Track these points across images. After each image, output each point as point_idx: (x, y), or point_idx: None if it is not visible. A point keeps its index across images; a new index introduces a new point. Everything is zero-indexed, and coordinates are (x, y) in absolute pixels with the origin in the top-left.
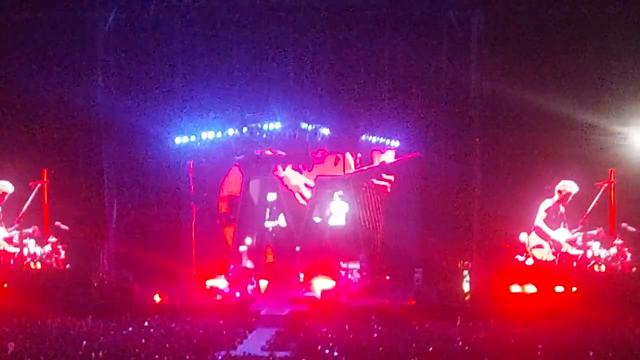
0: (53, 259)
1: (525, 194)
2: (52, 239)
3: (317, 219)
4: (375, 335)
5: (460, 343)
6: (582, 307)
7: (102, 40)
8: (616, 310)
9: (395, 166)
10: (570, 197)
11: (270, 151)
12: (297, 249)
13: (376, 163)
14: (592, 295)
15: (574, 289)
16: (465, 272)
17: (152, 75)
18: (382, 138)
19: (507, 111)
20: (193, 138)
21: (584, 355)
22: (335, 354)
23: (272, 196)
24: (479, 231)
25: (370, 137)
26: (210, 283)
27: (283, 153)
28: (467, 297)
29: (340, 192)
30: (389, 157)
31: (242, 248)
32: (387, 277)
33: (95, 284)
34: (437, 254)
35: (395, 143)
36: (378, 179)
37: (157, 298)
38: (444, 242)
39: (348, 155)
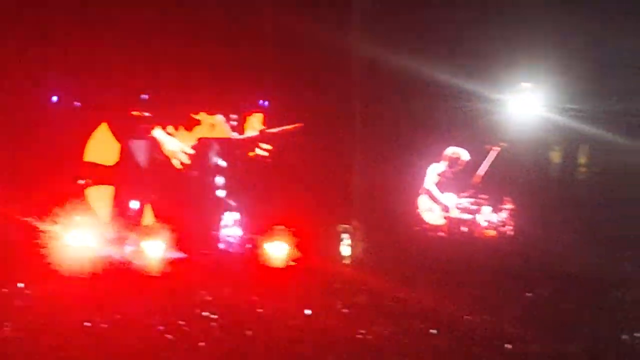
0: None
1: (408, 159)
2: None
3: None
4: (254, 298)
5: (339, 306)
6: (458, 272)
7: None
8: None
9: (277, 135)
10: (460, 164)
11: (139, 111)
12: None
13: (248, 127)
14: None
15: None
16: (346, 236)
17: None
18: (257, 100)
19: (387, 77)
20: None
21: (460, 318)
22: (214, 316)
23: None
24: (361, 196)
25: (246, 99)
26: (87, 244)
27: (148, 114)
28: (347, 261)
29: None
30: (258, 120)
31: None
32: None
33: None
34: (318, 218)
35: (269, 106)
36: (258, 148)
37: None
38: (326, 206)
39: (220, 117)
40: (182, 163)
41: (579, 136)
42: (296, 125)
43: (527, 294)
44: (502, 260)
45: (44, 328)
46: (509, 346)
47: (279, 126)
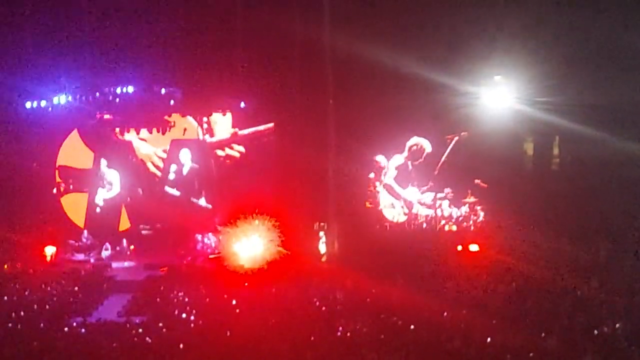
0: None
1: (379, 154)
2: None
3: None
4: (232, 298)
5: (317, 304)
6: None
7: None
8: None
9: (248, 136)
10: (423, 155)
11: (111, 115)
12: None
13: (219, 129)
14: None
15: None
16: (322, 234)
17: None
18: (232, 99)
19: (360, 73)
20: (43, 103)
21: (437, 313)
22: (192, 317)
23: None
24: (336, 193)
25: (221, 98)
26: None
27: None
28: (324, 258)
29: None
30: (228, 121)
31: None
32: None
33: None
34: (294, 216)
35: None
36: (230, 149)
37: (6, 267)
38: (301, 205)
39: (190, 119)
40: (156, 166)
41: (550, 128)
42: (267, 126)
43: (501, 289)
44: (472, 257)
45: (24, 335)
46: (488, 340)
47: (251, 127)
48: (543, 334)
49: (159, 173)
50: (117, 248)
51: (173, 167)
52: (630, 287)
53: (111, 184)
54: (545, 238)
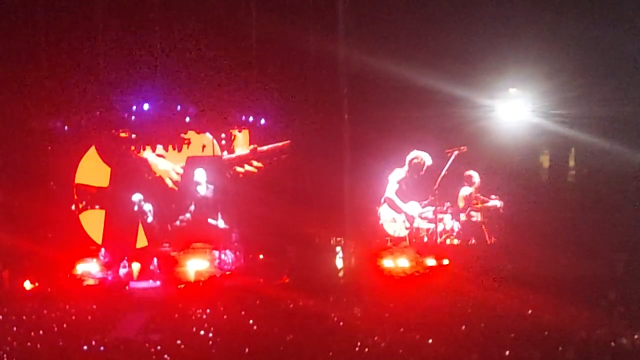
0: None
1: (392, 170)
2: None
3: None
4: (250, 314)
5: (335, 319)
6: (452, 280)
7: None
8: (484, 281)
9: (267, 152)
10: (423, 169)
11: (126, 132)
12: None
13: (237, 145)
14: (461, 267)
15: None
16: (338, 249)
17: (15, 55)
18: (248, 116)
19: (374, 87)
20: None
21: (455, 327)
22: (210, 335)
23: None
24: (351, 207)
25: (236, 115)
26: (80, 267)
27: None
28: (341, 273)
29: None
30: (245, 137)
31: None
32: (261, 256)
33: None
34: (310, 231)
35: (261, 121)
36: (249, 165)
37: (27, 285)
38: (317, 219)
39: (208, 135)
40: (174, 182)
41: (566, 140)
42: (285, 142)
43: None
44: (485, 270)
45: (43, 354)
46: (507, 353)
47: (268, 143)
48: (560, 348)
49: (176, 188)
50: (148, 267)
51: (189, 187)
52: None
53: (147, 215)
54: (561, 250)
